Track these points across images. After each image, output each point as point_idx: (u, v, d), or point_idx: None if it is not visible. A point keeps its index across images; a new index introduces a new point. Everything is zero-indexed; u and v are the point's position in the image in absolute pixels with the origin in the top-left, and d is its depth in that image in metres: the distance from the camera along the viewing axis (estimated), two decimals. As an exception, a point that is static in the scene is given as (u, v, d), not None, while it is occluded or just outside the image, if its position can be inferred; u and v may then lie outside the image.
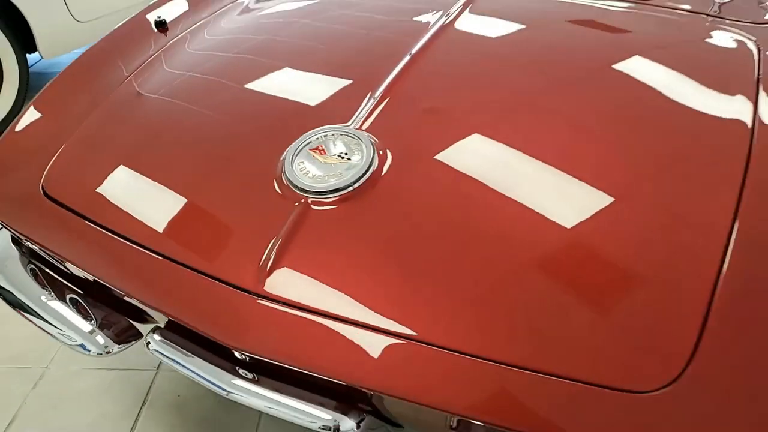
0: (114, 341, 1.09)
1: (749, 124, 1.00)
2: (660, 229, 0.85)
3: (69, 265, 1.08)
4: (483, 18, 1.32)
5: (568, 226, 0.85)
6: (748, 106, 1.04)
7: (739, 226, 0.84)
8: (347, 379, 0.79)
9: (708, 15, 1.37)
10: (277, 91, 1.18)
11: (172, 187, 1.02)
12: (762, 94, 1.06)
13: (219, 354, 0.92)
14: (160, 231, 0.96)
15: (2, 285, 1.15)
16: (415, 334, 0.78)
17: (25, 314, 1.12)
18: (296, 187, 0.92)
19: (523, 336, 0.77)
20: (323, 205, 0.91)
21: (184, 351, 0.94)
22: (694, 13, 1.39)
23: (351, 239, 0.88)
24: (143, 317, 1.09)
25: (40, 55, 2.84)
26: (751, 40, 1.24)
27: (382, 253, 0.86)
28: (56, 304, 1.13)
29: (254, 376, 0.89)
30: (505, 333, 0.77)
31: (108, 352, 1.08)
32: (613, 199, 0.89)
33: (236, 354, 0.89)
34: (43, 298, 1.13)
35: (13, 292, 1.14)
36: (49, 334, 1.11)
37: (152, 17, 1.50)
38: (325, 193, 0.91)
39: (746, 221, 0.84)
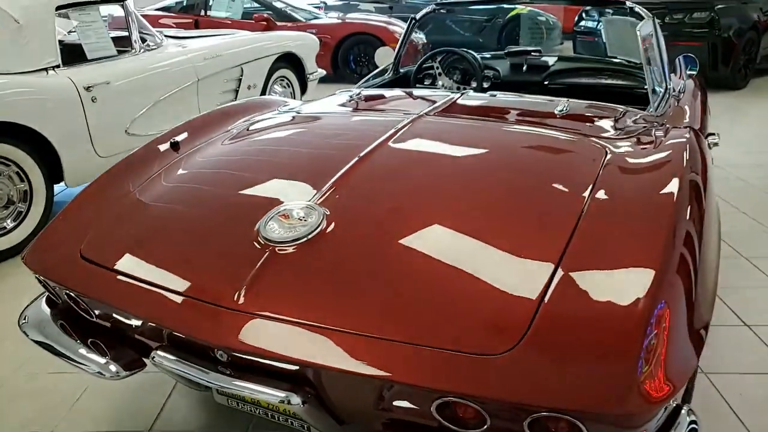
0: (123, 369, 1.44)
1: (585, 200, 1.44)
2: (512, 250, 1.31)
3: (92, 312, 1.47)
4: (412, 139, 1.83)
5: (445, 253, 1.32)
6: (588, 189, 1.49)
7: (567, 253, 1.26)
8: (295, 360, 1.15)
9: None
10: (258, 186, 1.65)
11: (177, 243, 1.46)
12: (598, 184, 1.53)
13: (204, 359, 1.28)
14: (168, 273, 1.36)
15: (43, 341, 1.57)
16: (344, 326, 1.18)
17: (62, 358, 1.52)
18: (267, 239, 1.34)
19: (409, 322, 1.17)
20: (285, 250, 1.34)
21: (180, 359, 1.29)
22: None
23: (304, 269, 1.32)
24: (144, 349, 1.45)
25: (65, 184, 3.35)
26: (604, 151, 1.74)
27: (323, 274, 1.30)
28: (81, 348, 1.50)
29: (231, 372, 1.24)
30: (399, 320, 1.18)
31: (119, 376, 1.42)
32: (484, 238, 1.36)
33: (218, 356, 1.24)
34: (73, 346, 1.52)
35: (53, 345, 1.55)
36: (78, 367, 1.47)
37: (163, 144, 2.01)
38: (287, 242, 1.33)
39: (571, 251, 1.27)
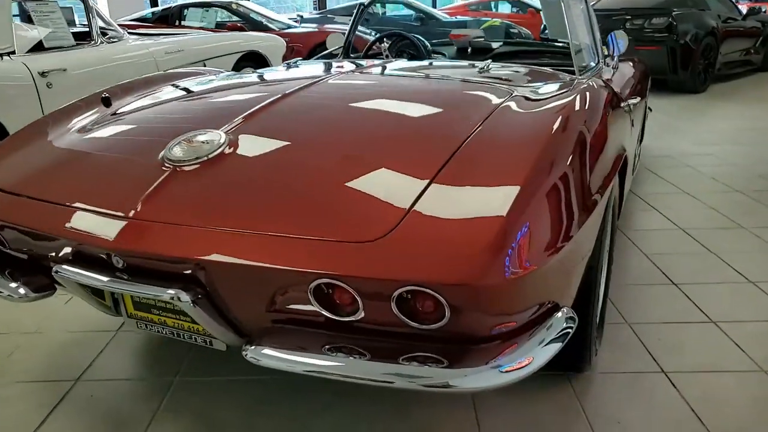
0: (32, 291, 1.49)
1: (474, 128, 1.53)
2: (393, 166, 1.40)
3: (4, 242, 1.53)
4: (323, 89, 1.93)
5: (330, 167, 1.42)
6: (480, 121, 1.58)
7: (444, 170, 1.35)
8: (183, 258, 1.20)
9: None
10: (170, 127, 1.72)
11: (85, 170, 1.52)
12: (491, 117, 1.61)
13: (103, 268, 1.32)
14: (72, 193, 1.43)
15: None
16: (231, 226, 1.26)
17: None
18: (170, 160, 1.41)
19: (289, 218, 1.25)
20: (186, 168, 1.42)
21: (79, 269, 1.34)
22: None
23: (200, 182, 1.39)
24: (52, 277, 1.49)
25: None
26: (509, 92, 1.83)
27: (217, 185, 1.38)
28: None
29: (127, 277, 1.29)
30: (280, 218, 1.26)
31: (28, 298, 1.46)
32: (369, 158, 1.45)
33: (115, 262, 1.29)
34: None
35: None
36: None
37: (93, 99, 2.10)
38: (188, 160, 1.39)
39: (448, 170, 1.36)
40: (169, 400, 1.82)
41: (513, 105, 1.71)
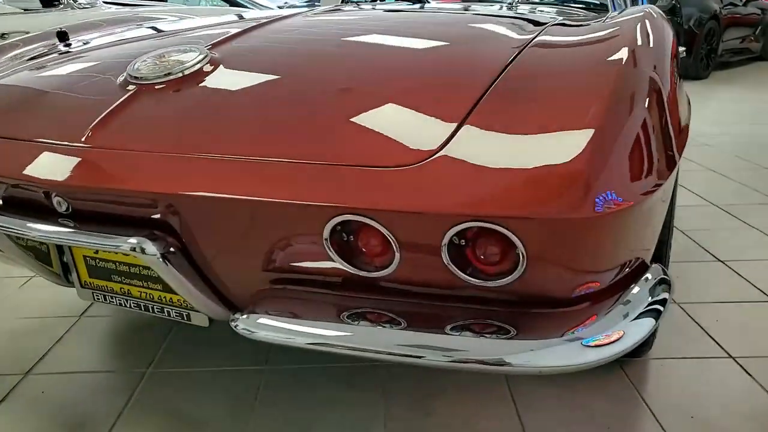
0: None
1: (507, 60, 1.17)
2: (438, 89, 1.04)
3: None
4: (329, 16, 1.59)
5: (349, 94, 1.06)
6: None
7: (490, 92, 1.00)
8: (149, 193, 0.87)
9: None
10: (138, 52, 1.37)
11: (37, 100, 1.19)
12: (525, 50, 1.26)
13: (43, 216, 0.98)
14: (22, 126, 1.11)
15: None
16: (226, 152, 0.93)
17: None
18: (134, 77, 1.07)
19: (299, 141, 0.93)
20: (153, 86, 1.09)
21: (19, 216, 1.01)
22: None
23: (175, 100, 1.06)
24: None
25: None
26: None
27: (202, 104, 1.05)
28: None
29: (74, 225, 0.95)
30: (288, 140, 0.93)
31: None
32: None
33: (56, 205, 0.95)
34: None
35: None
36: None
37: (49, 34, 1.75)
38: (156, 77, 1.06)
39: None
40: (140, 394, 1.48)
41: (553, 35, 1.35)
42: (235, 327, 0.93)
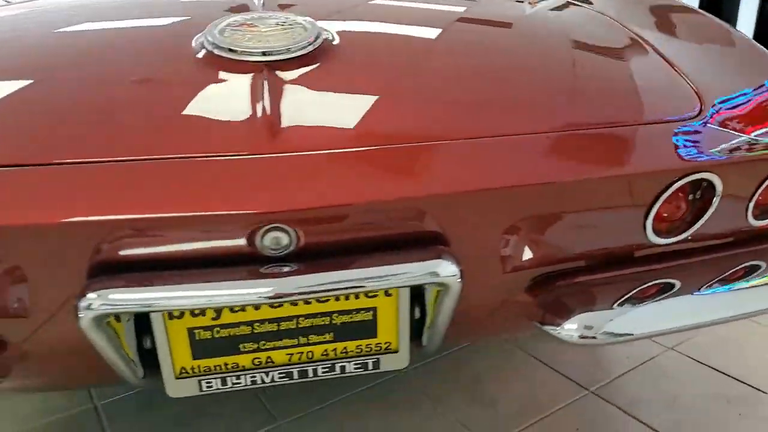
0: None
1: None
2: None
3: None
4: None
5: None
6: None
7: None
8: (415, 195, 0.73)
9: None
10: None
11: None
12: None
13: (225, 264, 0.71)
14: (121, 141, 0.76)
15: None
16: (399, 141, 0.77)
17: None
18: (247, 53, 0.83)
19: (573, 107, 0.87)
20: (281, 61, 0.84)
21: (175, 275, 0.70)
22: None
23: (326, 83, 0.85)
24: None
25: None
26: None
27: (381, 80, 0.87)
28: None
29: (296, 266, 0.71)
30: (559, 110, 0.86)
31: None
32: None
33: (269, 245, 0.71)
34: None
35: None
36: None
37: None
38: (280, 52, 0.84)
39: None
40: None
41: None
42: (558, 334, 0.81)
